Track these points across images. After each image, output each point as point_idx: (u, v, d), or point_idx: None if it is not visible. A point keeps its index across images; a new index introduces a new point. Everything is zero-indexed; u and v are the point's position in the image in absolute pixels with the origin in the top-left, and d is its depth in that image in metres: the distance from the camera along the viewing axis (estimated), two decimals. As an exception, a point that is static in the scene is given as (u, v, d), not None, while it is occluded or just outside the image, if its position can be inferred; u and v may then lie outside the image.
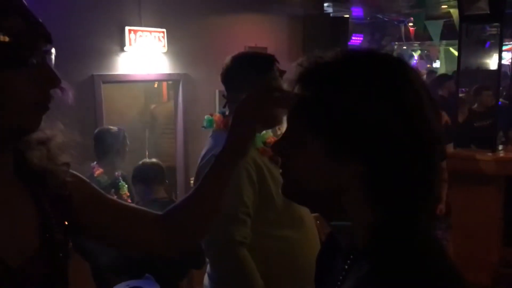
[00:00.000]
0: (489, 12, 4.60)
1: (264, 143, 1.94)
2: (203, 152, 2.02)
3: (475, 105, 5.49)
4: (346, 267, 0.78)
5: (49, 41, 0.95)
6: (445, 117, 5.32)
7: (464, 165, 4.32)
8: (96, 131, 3.47)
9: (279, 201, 1.84)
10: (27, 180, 0.99)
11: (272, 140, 1.90)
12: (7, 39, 0.83)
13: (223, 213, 1.22)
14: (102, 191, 1.19)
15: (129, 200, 3.20)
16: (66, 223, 1.03)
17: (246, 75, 1.87)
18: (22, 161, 0.98)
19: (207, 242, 1.83)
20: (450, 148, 4.68)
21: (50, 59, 0.95)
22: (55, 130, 1.02)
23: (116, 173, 3.36)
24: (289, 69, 0.83)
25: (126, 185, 3.29)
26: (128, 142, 3.46)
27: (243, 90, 1.89)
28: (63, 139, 1.03)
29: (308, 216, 1.97)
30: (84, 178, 1.15)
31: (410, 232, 0.72)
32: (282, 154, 0.81)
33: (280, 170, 0.83)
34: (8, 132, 0.89)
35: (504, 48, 5.51)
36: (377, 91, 0.71)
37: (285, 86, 0.81)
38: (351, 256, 0.78)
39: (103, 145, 3.27)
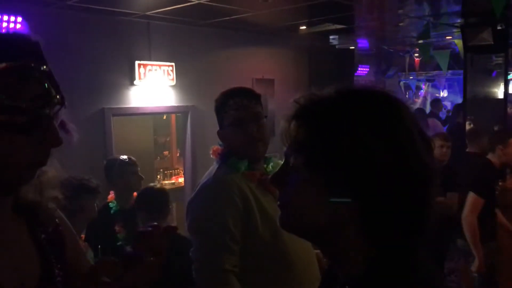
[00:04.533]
0: (492, 42, 4.67)
1: (250, 166, 1.94)
2: (202, 180, 2.04)
3: None
4: None
5: (63, 104, 0.96)
6: None
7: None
8: (106, 160, 3.52)
9: (265, 233, 1.82)
10: (23, 214, 1.00)
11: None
12: (23, 104, 0.85)
13: (211, 242, 1.23)
14: (82, 250, 1.17)
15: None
16: (59, 266, 1.02)
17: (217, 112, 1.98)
18: (17, 196, 0.99)
19: (196, 271, 1.83)
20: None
21: (58, 119, 0.95)
22: (49, 166, 1.01)
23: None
24: (288, 105, 0.86)
25: None
26: (138, 168, 3.44)
27: (221, 125, 1.96)
28: (55, 174, 1.04)
29: (302, 253, 1.89)
30: (72, 228, 1.15)
31: (403, 264, 0.74)
32: (280, 186, 0.83)
33: (278, 202, 0.84)
34: (5, 185, 0.92)
35: (510, 77, 5.53)
36: (369, 129, 0.73)
37: (282, 122, 0.84)
38: (347, 287, 0.80)
39: (113, 173, 3.31)
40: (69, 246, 1.09)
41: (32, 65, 0.89)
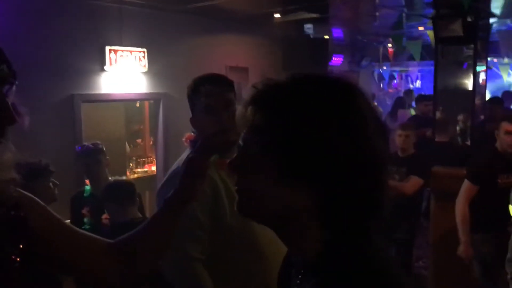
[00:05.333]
0: (462, 34, 4.75)
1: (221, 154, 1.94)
2: (172, 167, 2.02)
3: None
4: (298, 282, 0.81)
5: (14, 79, 0.94)
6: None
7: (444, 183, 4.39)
8: (77, 147, 3.51)
9: (235, 222, 1.81)
10: None
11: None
12: None
13: (178, 231, 1.26)
14: (57, 215, 1.19)
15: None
16: (21, 246, 1.03)
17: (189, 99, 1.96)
18: None
19: (164, 260, 1.82)
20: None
21: (12, 96, 0.94)
22: (4, 148, 1.00)
23: None
24: (247, 90, 0.85)
25: None
26: (106, 155, 3.45)
27: (193, 112, 1.94)
28: (10, 156, 1.02)
29: (272, 242, 1.89)
30: (39, 200, 1.15)
31: (357, 248, 0.75)
32: (238, 172, 0.83)
33: (235, 187, 0.84)
34: None
35: (480, 69, 5.65)
36: (323, 115, 0.74)
37: (240, 107, 0.83)
38: (302, 271, 0.80)
39: (84, 160, 3.31)
40: (38, 219, 1.08)
41: None
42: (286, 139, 0.74)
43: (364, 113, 0.76)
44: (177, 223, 1.24)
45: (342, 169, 0.73)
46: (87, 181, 3.40)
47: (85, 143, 3.52)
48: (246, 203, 0.83)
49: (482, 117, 6.59)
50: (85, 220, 3.16)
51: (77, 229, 1.24)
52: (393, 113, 7.82)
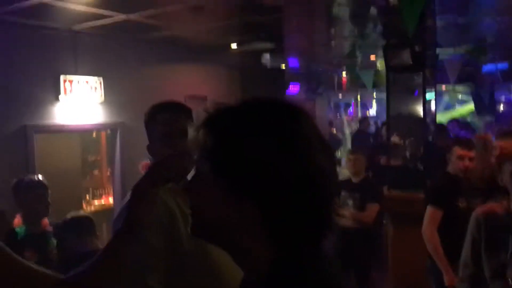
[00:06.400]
0: (411, 63, 4.97)
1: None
2: (125, 199, 1.99)
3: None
4: None
5: None
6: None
7: (400, 206, 4.49)
8: (14, 181, 3.13)
9: (193, 248, 1.79)
10: None
11: None
12: None
13: (134, 260, 1.24)
14: (7, 249, 1.16)
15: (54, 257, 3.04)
16: None
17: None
18: None
19: None
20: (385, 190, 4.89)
21: None
22: None
23: (47, 225, 3.20)
24: (199, 115, 0.88)
25: (56, 241, 3.13)
26: (48, 191, 3.20)
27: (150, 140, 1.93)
28: None
29: (233, 267, 1.88)
30: None
31: (301, 269, 0.77)
32: (191, 193, 0.85)
33: (189, 210, 0.86)
34: None
35: (429, 96, 5.92)
36: (269, 137, 0.77)
37: (191, 131, 0.86)
38: None
39: (22, 195, 3.04)
40: None
41: None
42: (234, 161, 0.77)
43: (308, 135, 0.80)
44: (129, 253, 1.21)
45: (288, 188, 0.76)
46: (17, 221, 3.03)
47: (23, 177, 3.16)
48: (198, 225, 0.85)
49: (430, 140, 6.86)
50: (30, 263, 2.91)
51: (30, 264, 1.21)
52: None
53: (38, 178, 3.13)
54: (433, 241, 3.40)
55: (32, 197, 3.02)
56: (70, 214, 3.04)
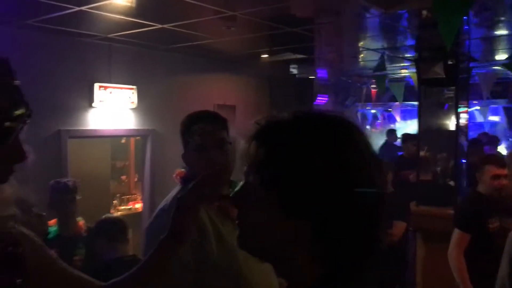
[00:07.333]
0: (444, 76, 4.90)
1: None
2: (161, 204, 2.00)
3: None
4: None
5: (29, 117, 0.95)
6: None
7: (428, 223, 4.40)
8: (50, 183, 3.31)
9: (222, 261, 1.78)
10: None
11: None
12: None
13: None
14: (54, 254, 1.18)
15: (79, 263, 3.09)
16: (18, 282, 1.01)
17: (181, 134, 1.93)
18: None
19: None
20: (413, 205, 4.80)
21: (23, 134, 0.95)
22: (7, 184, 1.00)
23: (82, 230, 3.26)
24: (248, 126, 0.88)
25: (84, 248, 3.19)
26: (77, 195, 3.32)
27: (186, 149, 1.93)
28: (11, 192, 1.03)
29: (262, 282, 1.83)
30: (36, 239, 1.15)
31: (355, 282, 0.76)
32: (239, 206, 0.84)
33: (237, 221, 0.85)
34: None
35: (461, 110, 5.82)
36: (323, 151, 0.76)
37: (243, 143, 0.85)
38: None
39: (57, 197, 3.18)
40: (34, 257, 1.08)
41: (4, 79, 0.89)
42: (286, 175, 0.76)
43: (362, 150, 0.79)
44: (170, 264, 1.23)
45: (342, 205, 0.75)
46: (52, 222, 3.18)
47: (59, 179, 3.34)
48: (245, 236, 0.83)
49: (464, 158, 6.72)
50: None
51: (71, 269, 1.23)
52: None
53: (73, 181, 3.22)
54: (459, 265, 3.30)
55: (66, 200, 3.13)
56: (105, 216, 3.08)
